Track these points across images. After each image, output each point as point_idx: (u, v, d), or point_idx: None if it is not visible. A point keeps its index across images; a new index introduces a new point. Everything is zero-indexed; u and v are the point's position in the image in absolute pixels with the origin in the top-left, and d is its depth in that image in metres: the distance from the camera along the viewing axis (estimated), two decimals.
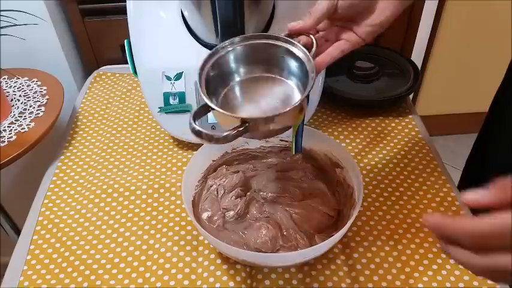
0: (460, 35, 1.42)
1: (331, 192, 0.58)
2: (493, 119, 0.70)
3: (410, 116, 0.76)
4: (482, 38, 1.43)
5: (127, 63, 0.86)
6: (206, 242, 0.57)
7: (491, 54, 1.44)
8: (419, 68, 0.88)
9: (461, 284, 0.52)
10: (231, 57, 0.48)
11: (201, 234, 0.54)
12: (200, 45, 0.67)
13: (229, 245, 0.48)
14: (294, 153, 0.59)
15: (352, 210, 0.53)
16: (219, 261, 0.55)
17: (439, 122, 1.60)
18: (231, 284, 0.53)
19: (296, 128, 0.58)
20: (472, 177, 0.76)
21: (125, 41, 0.68)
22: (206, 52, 0.66)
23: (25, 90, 0.80)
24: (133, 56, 0.68)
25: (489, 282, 0.51)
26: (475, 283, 0.52)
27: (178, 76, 0.68)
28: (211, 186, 0.58)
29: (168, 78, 0.68)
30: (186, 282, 0.53)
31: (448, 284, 0.52)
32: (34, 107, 0.76)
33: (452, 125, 1.63)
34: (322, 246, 0.49)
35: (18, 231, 0.95)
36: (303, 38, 0.46)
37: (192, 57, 0.67)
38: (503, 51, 1.35)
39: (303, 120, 0.58)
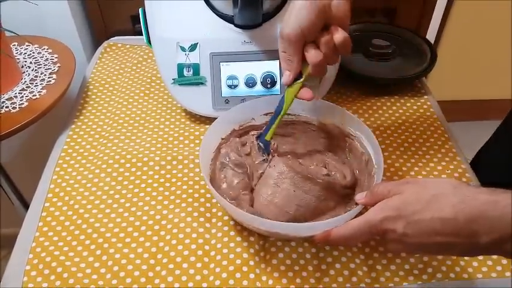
0: (472, 18, 1.39)
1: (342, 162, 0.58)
2: None
3: (425, 97, 0.76)
4: (496, 21, 1.41)
5: (137, 34, 0.85)
6: (220, 214, 0.57)
7: (507, 38, 1.41)
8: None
9: (470, 269, 0.52)
10: None
11: (219, 202, 0.54)
12: (216, 16, 0.66)
13: (247, 213, 0.48)
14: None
15: (371, 177, 0.53)
16: (232, 233, 0.55)
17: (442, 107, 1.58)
18: (245, 255, 0.53)
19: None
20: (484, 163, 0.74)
21: (140, 9, 0.67)
22: (222, 23, 0.66)
23: (36, 58, 0.79)
24: (148, 25, 0.67)
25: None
26: (484, 268, 0.52)
27: (193, 47, 0.66)
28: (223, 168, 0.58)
29: (183, 49, 0.66)
30: (199, 252, 0.53)
31: (462, 263, 0.52)
32: (45, 75, 0.75)
33: (457, 111, 1.62)
34: (344, 217, 0.47)
35: (23, 200, 0.95)
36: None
37: (207, 28, 0.66)
38: None
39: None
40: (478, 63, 1.53)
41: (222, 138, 0.60)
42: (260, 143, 0.56)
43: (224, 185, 0.55)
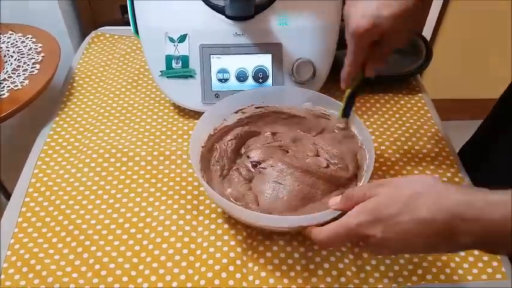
0: (468, 16, 1.39)
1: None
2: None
3: (420, 94, 0.74)
4: (492, 20, 1.40)
5: (126, 24, 0.82)
6: (207, 212, 0.56)
7: (502, 37, 1.41)
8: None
9: (460, 271, 0.51)
10: None
11: (206, 191, 0.54)
12: (207, 7, 0.64)
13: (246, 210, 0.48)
14: (341, 117, 0.58)
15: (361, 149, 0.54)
16: (219, 231, 0.53)
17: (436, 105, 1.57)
18: (232, 254, 0.51)
19: (349, 91, 0.56)
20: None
21: None
22: (213, 14, 0.64)
23: (19, 47, 0.76)
24: (136, 15, 0.65)
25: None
26: (474, 270, 0.51)
27: (182, 38, 0.64)
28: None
29: (171, 40, 0.64)
30: (185, 251, 0.51)
31: (452, 264, 0.51)
32: (28, 64, 0.72)
33: (450, 110, 1.61)
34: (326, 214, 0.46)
35: (7, 194, 0.92)
36: None
37: (197, 18, 0.64)
38: None
39: (359, 83, 0.56)
40: (472, 61, 1.52)
41: (202, 146, 0.57)
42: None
43: (223, 185, 0.55)
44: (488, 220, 0.34)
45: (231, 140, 0.57)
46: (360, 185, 0.51)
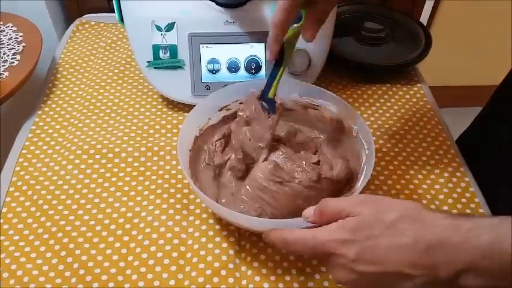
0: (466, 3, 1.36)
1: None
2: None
3: (419, 85, 0.71)
4: (490, 8, 1.37)
5: (112, 12, 0.78)
6: (198, 211, 0.53)
7: (500, 24, 1.38)
8: None
9: None
10: None
11: (200, 198, 0.50)
12: None
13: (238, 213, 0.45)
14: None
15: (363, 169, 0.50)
16: (211, 233, 0.51)
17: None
18: (224, 257, 0.49)
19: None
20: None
21: None
22: (203, 0, 0.60)
23: None
24: (120, 2, 0.61)
25: None
26: None
27: (170, 27, 0.61)
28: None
29: (159, 28, 0.61)
30: (174, 254, 0.49)
31: None
32: (8, 55, 0.69)
33: (446, 98, 1.59)
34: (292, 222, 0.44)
35: None
36: None
37: (186, 5, 0.61)
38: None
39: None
40: (470, 47, 1.50)
41: (190, 150, 0.53)
42: (263, 103, 0.49)
43: (218, 189, 0.52)
44: (473, 246, 0.30)
45: (219, 139, 0.54)
46: (359, 184, 0.48)
